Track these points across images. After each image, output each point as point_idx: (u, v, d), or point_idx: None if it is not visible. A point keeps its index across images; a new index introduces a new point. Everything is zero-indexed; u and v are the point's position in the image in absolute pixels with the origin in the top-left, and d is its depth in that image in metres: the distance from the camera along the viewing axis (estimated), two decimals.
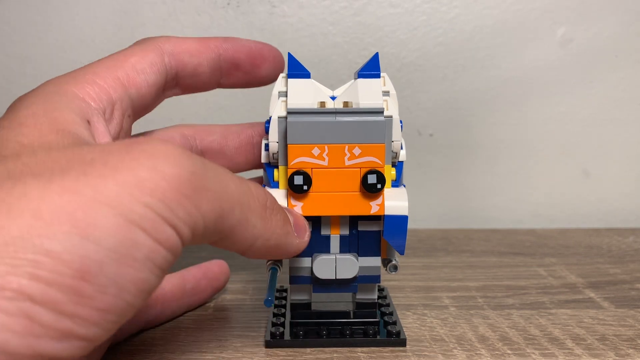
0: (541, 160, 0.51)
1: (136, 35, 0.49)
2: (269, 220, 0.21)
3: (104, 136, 0.21)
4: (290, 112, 0.25)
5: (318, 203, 0.25)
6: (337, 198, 0.25)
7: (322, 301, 0.28)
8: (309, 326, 0.27)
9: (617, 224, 0.52)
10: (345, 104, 0.26)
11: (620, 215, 0.52)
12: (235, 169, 0.30)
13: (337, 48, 0.49)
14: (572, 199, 0.52)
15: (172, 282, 0.28)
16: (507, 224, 0.52)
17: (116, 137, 0.23)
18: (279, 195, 0.25)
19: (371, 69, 0.27)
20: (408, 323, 0.29)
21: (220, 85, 0.28)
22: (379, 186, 0.25)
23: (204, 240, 0.18)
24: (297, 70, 0.26)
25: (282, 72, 0.29)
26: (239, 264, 0.39)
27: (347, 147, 0.25)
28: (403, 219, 0.25)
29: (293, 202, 0.25)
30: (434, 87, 0.50)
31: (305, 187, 0.25)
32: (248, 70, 0.28)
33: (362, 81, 0.26)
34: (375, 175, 0.25)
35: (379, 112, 0.25)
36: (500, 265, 0.39)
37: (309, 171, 0.25)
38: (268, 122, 0.26)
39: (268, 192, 0.22)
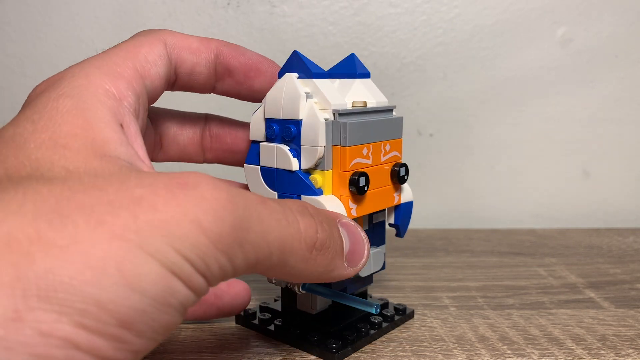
0: (541, 160, 0.51)
1: None
2: (313, 261, 0.20)
3: (135, 138, 0.21)
4: (340, 114, 0.24)
5: (368, 202, 0.25)
6: (378, 194, 0.26)
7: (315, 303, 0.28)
8: (345, 329, 0.27)
9: (617, 224, 0.52)
10: (354, 103, 0.26)
11: (620, 215, 0.52)
12: (187, 160, 0.30)
13: (337, 48, 0.49)
14: (572, 199, 0.52)
15: None
16: (507, 224, 0.52)
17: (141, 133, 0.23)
18: (332, 202, 0.24)
19: (362, 69, 0.27)
20: (408, 323, 0.29)
21: (215, 90, 0.28)
22: (406, 177, 0.27)
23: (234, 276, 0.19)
24: (318, 70, 0.25)
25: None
26: None
27: (382, 144, 0.26)
28: (410, 205, 0.28)
29: (351, 204, 0.25)
30: (434, 87, 0.50)
31: (366, 188, 0.25)
32: (240, 80, 0.27)
33: (360, 81, 0.27)
34: (404, 168, 0.26)
35: (392, 109, 0.27)
36: (500, 265, 0.39)
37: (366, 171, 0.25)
38: (276, 124, 0.25)
39: (324, 229, 0.20)
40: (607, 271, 0.38)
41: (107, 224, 0.15)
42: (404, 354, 0.26)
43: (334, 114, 0.24)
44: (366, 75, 0.27)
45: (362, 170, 0.25)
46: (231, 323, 0.29)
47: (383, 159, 0.26)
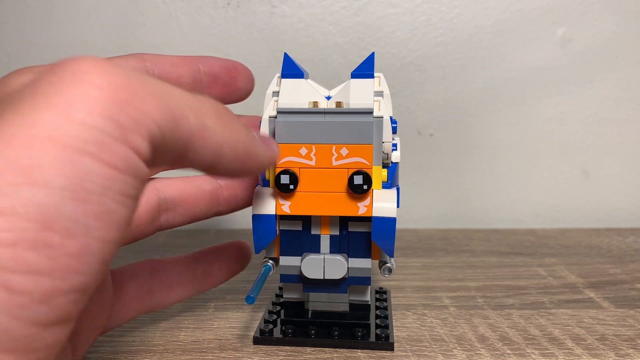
0: (541, 160, 0.51)
1: (136, 35, 0.49)
2: (229, 124, 0.19)
3: None
4: (279, 112, 0.25)
5: (305, 202, 0.25)
6: (324, 198, 0.25)
7: (319, 301, 0.28)
8: (299, 325, 0.28)
9: (617, 224, 0.52)
10: (338, 104, 0.25)
11: (620, 215, 0.52)
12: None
13: (337, 48, 0.49)
14: (572, 199, 0.52)
15: (180, 265, 0.27)
16: (507, 224, 0.52)
17: None
18: (269, 193, 0.26)
19: (365, 69, 0.27)
20: (408, 323, 0.29)
21: None
22: (365, 187, 0.24)
23: (166, 154, 0.16)
24: (291, 70, 0.26)
25: (253, 88, 0.28)
26: None
27: (334, 147, 0.25)
28: (391, 221, 0.25)
29: (281, 201, 0.25)
30: (434, 87, 0.50)
31: (291, 187, 0.25)
32: (227, 82, 0.27)
33: (354, 81, 0.26)
34: (361, 176, 0.24)
35: (368, 112, 0.25)
36: (500, 265, 0.39)
37: (296, 171, 0.25)
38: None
39: (220, 103, 0.20)
40: (607, 271, 0.38)
41: None
42: (404, 354, 0.26)
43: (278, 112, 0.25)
44: (368, 75, 0.27)
45: (295, 169, 0.25)
46: (231, 323, 0.29)
47: (336, 162, 0.25)
